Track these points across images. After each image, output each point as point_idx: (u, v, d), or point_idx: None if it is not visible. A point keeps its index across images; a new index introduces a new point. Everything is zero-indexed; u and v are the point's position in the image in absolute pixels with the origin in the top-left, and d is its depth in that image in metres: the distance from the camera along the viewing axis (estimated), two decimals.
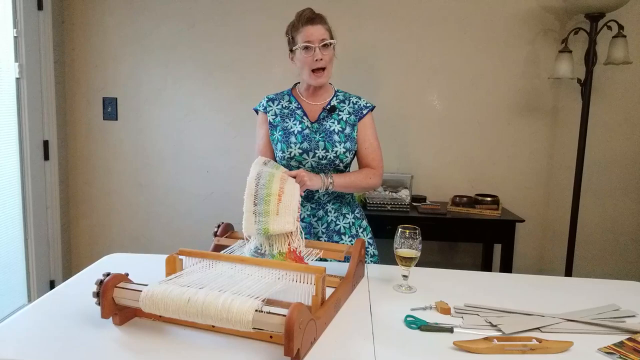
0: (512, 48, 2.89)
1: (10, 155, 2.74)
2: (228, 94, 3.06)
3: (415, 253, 1.35)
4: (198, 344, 1.06)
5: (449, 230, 2.69)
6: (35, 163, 2.90)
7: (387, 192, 2.75)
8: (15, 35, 2.71)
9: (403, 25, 2.92)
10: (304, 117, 1.82)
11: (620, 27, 2.55)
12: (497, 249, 2.92)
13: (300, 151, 1.75)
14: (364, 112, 1.83)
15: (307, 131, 1.78)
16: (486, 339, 1.08)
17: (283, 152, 1.76)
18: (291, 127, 1.79)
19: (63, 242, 3.14)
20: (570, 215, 2.71)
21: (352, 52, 2.93)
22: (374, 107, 1.87)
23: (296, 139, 1.77)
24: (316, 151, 1.75)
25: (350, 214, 1.86)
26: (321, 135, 1.78)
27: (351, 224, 1.85)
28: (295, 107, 1.84)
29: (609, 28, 2.59)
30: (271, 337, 1.05)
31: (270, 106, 1.84)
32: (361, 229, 1.86)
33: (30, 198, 2.86)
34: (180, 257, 1.26)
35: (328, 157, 1.75)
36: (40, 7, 2.85)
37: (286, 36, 1.80)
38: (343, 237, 1.82)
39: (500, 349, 1.05)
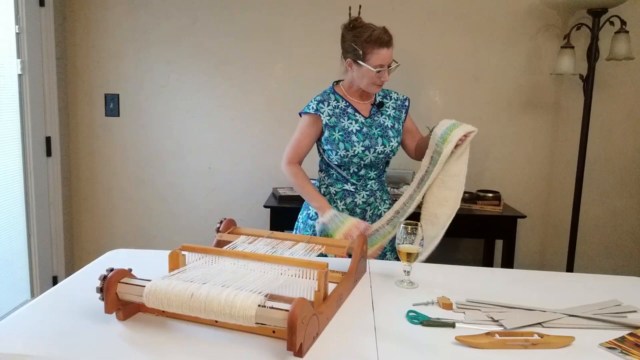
0: (514, 44, 2.88)
1: (12, 152, 2.75)
2: (230, 90, 3.06)
3: (417, 249, 1.36)
4: (201, 338, 1.06)
5: (451, 226, 2.67)
6: (38, 159, 2.91)
7: (389, 189, 2.76)
8: (17, 31, 2.71)
9: (404, 21, 2.91)
10: (357, 114, 1.90)
11: (623, 22, 2.54)
12: (499, 244, 2.92)
13: (362, 149, 1.85)
14: (406, 104, 2.01)
15: (365, 129, 1.88)
16: (488, 334, 1.09)
17: (347, 150, 1.84)
18: (348, 127, 1.87)
19: (66, 238, 3.15)
20: (572, 211, 2.71)
21: None
22: (408, 97, 2.03)
23: (357, 137, 1.85)
24: (375, 147, 1.87)
25: (388, 199, 2.02)
26: (377, 130, 1.89)
27: (387, 208, 1.99)
28: (344, 105, 1.90)
29: (612, 24, 2.58)
30: (274, 332, 1.05)
31: (322, 107, 1.88)
32: None
33: (32, 194, 2.86)
34: (183, 252, 1.27)
35: (385, 151, 1.89)
36: (42, 3, 2.85)
37: (351, 44, 1.82)
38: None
39: (502, 343, 1.06)
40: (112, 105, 3.12)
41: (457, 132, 1.77)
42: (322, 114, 1.87)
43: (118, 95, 3.11)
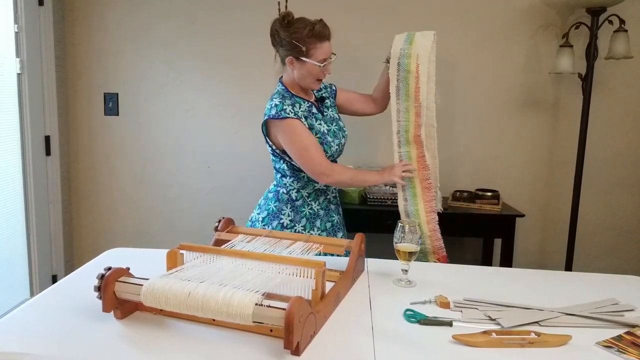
0: (512, 43, 2.88)
1: (11, 151, 2.75)
2: (229, 89, 3.06)
3: (414, 247, 1.36)
4: (198, 337, 1.06)
5: (449, 225, 2.66)
6: (37, 158, 2.91)
7: (387, 187, 2.76)
8: (16, 30, 2.71)
9: (403, 20, 2.91)
10: (318, 113, 1.88)
11: (622, 21, 2.54)
12: (498, 243, 2.92)
13: (336, 147, 1.86)
14: (334, 88, 2.00)
15: (329, 127, 1.87)
16: (485, 332, 1.09)
17: (326, 152, 1.81)
18: (319, 128, 1.83)
19: (65, 237, 3.15)
20: (571, 210, 2.72)
21: (352, 48, 2.92)
22: (332, 83, 2.05)
23: (330, 137, 1.84)
24: (341, 141, 1.89)
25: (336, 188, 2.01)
26: (334, 125, 1.89)
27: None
28: (307, 106, 1.85)
29: (610, 22, 2.58)
30: (271, 330, 1.05)
31: (297, 110, 1.79)
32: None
33: (32, 193, 2.87)
34: (181, 251, 1.27)
35: (344, 143, 1.93)
36: (41, 2, 2.85)
37: (291, 41, 1.77)
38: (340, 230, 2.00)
39: (498, 342, 1.06)
40: (111, 104, 3.12)
41: (421, 42, 1.71)
42: (301, 118, 1.77)
43: (117, 94, 3.12)
